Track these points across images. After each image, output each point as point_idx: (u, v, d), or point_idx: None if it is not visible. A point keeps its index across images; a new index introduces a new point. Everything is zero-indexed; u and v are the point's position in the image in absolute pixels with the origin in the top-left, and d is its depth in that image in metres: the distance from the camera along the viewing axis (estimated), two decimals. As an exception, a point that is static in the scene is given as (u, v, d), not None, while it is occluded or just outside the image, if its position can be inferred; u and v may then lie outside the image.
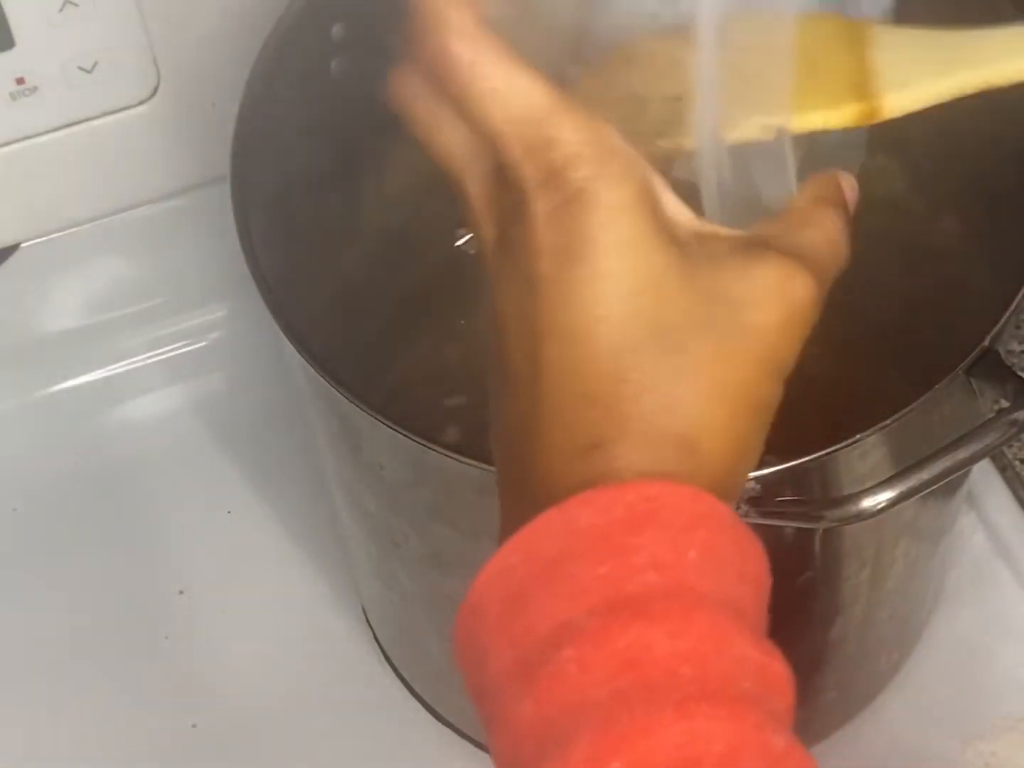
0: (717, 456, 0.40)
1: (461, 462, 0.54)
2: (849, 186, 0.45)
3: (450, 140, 0.42)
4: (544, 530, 0.39)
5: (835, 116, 0.47)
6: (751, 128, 0.45)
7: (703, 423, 0.40)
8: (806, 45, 0.47)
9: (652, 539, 0.38)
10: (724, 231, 0.42)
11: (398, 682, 0.75)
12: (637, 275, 0.40)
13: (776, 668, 0.39)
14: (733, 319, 0.41)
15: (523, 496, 0.40)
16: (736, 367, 0.41)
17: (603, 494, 0.39)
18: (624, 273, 0.40)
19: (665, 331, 0.40)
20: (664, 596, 0.38)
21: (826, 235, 0.43)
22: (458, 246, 0.49)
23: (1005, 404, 0.54)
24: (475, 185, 0.42)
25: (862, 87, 0.47)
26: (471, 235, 0.44)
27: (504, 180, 0.41)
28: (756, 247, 0.41)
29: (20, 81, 0.69)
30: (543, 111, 0.41)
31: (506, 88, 0.41)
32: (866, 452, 0.55)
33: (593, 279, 0.40)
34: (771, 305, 0.41)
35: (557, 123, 0.41)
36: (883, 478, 0.53)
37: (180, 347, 0.84)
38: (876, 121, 0.47)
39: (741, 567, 0.40)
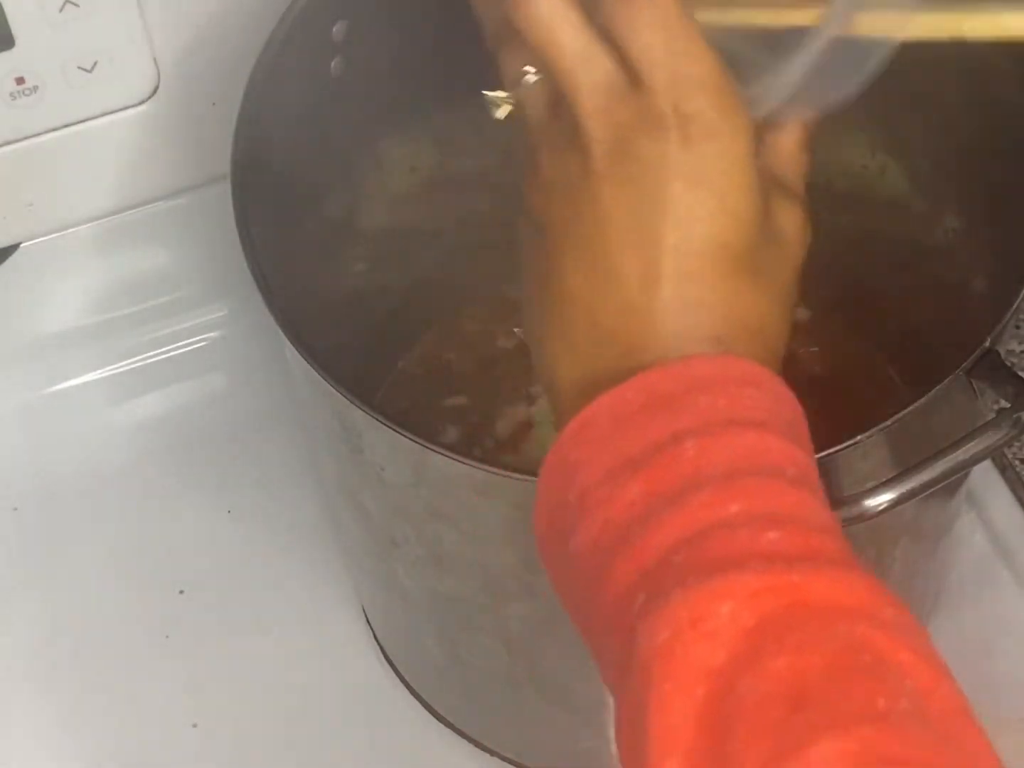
0: (780, 356, 0.49)
1: (461, 462, 0.54)
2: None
3: (572, 47, 0.47)
4: (664, 375, 0.46)
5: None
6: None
7: (782, 334, 0.49)
8: None
9: (758, 395, 0.46)
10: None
11: (398, 682, 0.75)
12: (749, 213, 0.47)
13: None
14: (779, 252, 0.49)
15: (616, 369, 0.46)
16: (788, 290, 0.50)
17: (723, 359, 0.47)
18: (741, 213, 0.47)
19: (751, 253, 0.48)
20: (772, 429, 0.45)
21: (804, 181, 0.52)
22: (499, 120, 0.50)
23: (1005, 405, 0.54)
24: (592, 95, 0.47)
25: None
26: (505, 96, 0.50)
27: (628, 97, 0.47)
28: (783, 189, 0.50)
29: (20, 81, 0.69)
30: (706, 61, 0.47)
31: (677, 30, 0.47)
32: (867, 453, 0.54)
33: (721, 213, 0.47)
34: (800, 246, 0.50)
35: (712, 73, 0.47)
36: (884, 479, 0.53)
37: (180, 347, 0.84)
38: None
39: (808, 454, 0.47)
